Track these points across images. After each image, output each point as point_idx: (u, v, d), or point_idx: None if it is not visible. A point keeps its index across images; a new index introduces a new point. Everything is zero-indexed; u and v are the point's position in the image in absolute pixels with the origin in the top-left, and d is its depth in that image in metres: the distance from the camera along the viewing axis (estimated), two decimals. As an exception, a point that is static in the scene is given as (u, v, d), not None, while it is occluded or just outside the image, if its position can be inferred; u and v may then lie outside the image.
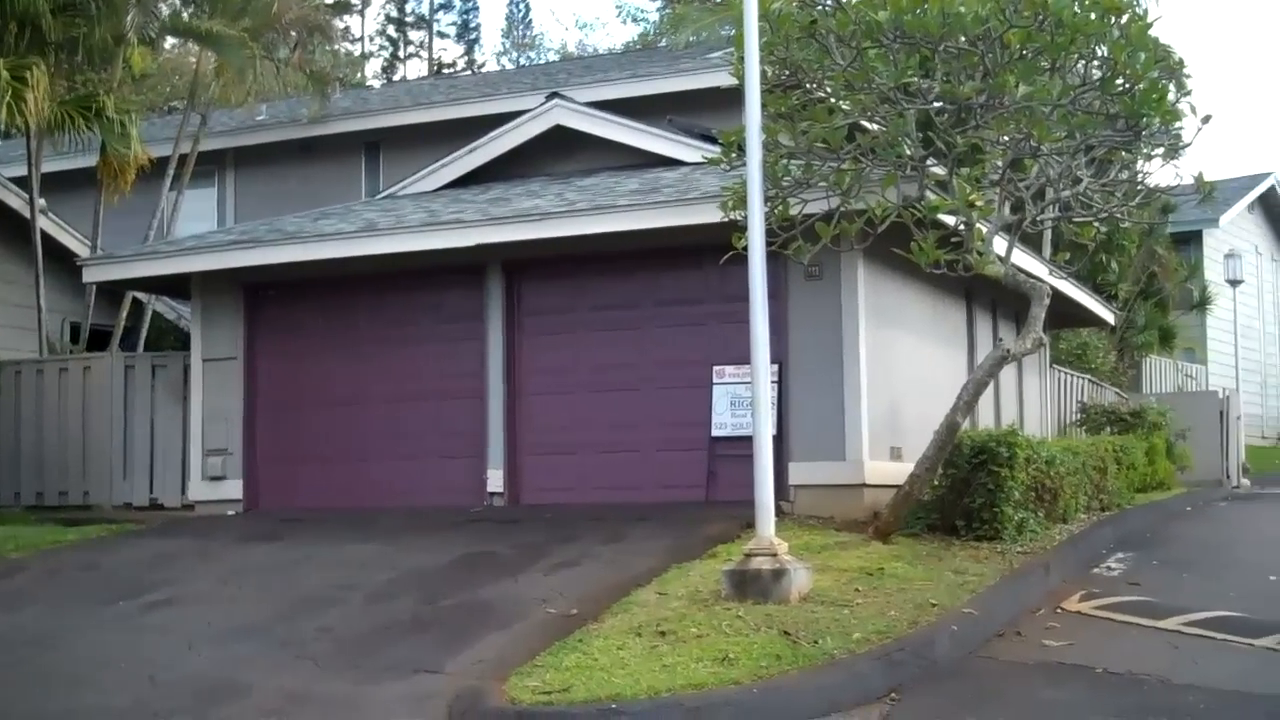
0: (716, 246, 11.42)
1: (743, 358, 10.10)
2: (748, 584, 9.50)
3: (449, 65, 55.30)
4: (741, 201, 10.75)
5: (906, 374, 14.50)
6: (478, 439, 14.83)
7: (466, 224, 14.39)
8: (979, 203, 11.93)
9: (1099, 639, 9.77)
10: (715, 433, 13.81)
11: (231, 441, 15.99)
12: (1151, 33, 11.32)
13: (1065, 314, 19.94)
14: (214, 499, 15.87)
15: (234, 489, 15.89)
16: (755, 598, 9.37)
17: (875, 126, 11.61)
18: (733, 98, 10.42)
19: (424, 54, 56.91)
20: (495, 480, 14.69)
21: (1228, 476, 24.72)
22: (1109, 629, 10.20)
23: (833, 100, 11.60)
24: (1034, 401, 20.30)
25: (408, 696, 8.13)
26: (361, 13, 53.41)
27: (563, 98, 16.13)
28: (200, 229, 19.92)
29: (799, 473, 13.36)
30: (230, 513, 15.72)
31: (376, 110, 21.76)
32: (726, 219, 11.52)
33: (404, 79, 50.08)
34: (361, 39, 54.57)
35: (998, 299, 17.37)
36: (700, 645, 8.41)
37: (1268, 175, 40.51)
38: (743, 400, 12.87)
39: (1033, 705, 8.16)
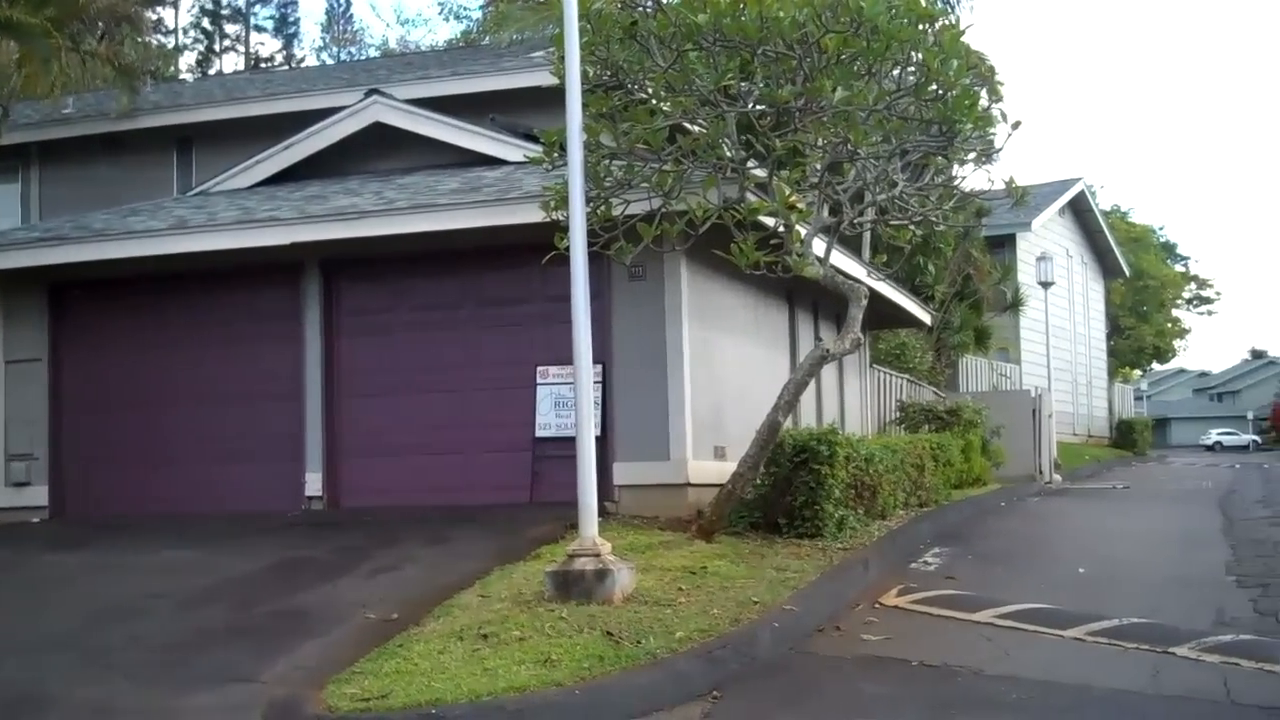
0: (539, 246, 11.35)
1: (566, 358, 10.06)
2: (571, 585, 9.47)
3: (266, 60, 54.09)
4: (563, 201, 10.71)
5: (730, 374, 14.62)
6: (295, 441, 14.54)
7: (282, 222, 14.10)
8: (800, 205, 12.08)
9: (915, 632, 9.98)
10: (539, 433, 13.78)
11: (37, 446, 15.46)
12: (965, 40, 11.61)
13: (884, 315, 20.37)
14: (18, 506, 15.31)
15: (39, 495, 15.35)
16: (579, 599, 9.35)
17: (696, 128, 11.67)
18: (556, 97, 10.36)
19: (240, 48, 55.60)
20: (314, 484, 14.42)
21: (1040, 472, 25.52)
22: (925, 623, 10.42)
23: (654, 102, 11.63)
24: (855, 401, 20.68)
25: (221, 707, 7.88)
26: (175, 4, 51.88)
27: (382, 94, 15.89)
28: (2, 226, 19.15)
29: (623, 473, 13.37)
30: (36, 520, 15.18)
31: (189, 105, 21.13)
32: (549, 219, 11.48)
33: (220, 73, 48.84)
34: (175, 31, 52.96)
35: (819, 300, 17.64)
36: (523, 647, 8.35)
37: (1077, 180, 42.05)
38: (566, 401, 12.84)
39: (851, 699, 8.27)
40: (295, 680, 8.15)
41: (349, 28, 57.83)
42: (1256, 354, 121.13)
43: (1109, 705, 8.05)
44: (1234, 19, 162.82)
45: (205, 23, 54.98)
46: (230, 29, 55.94)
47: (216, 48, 55.20)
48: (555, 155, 11.48)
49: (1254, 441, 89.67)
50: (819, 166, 12.08)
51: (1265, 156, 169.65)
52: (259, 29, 56.34)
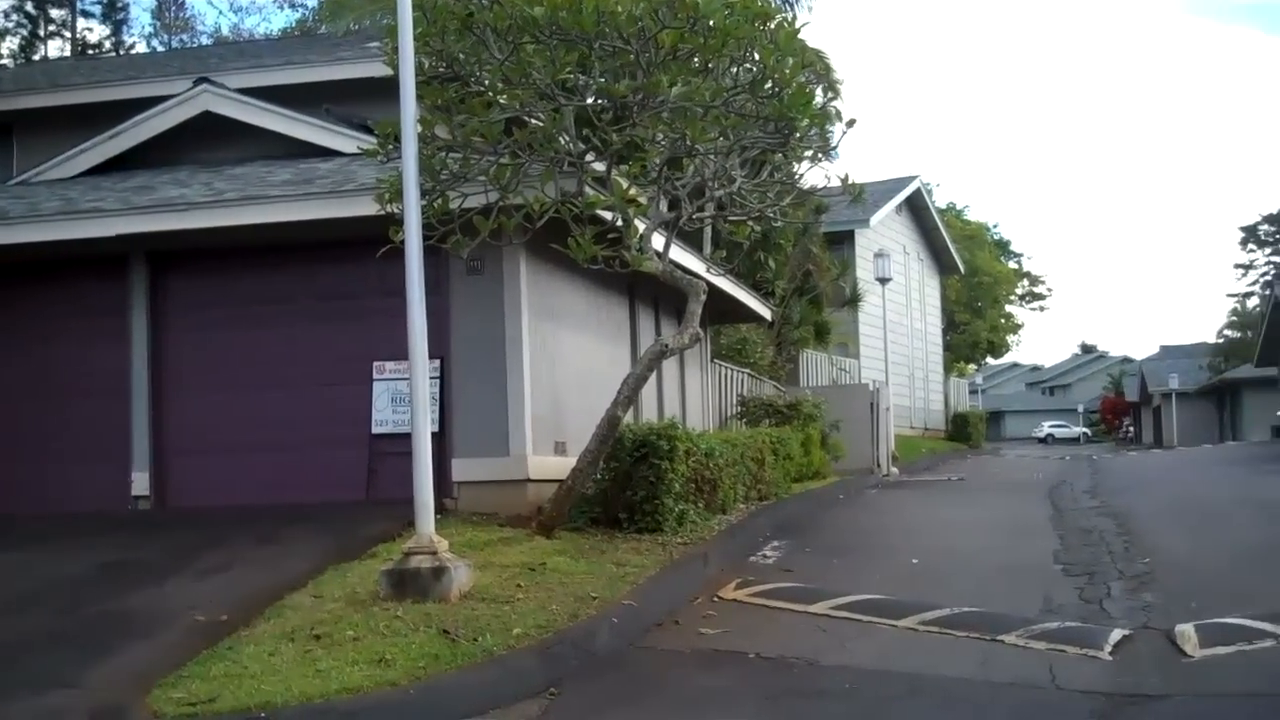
0: (376, 240, 11.15)
1: (404, 353, 9.91)
2: (407, 583, 9.35)
3: (94, 47, 52.30)
4: (398, 194, 10.54)
5: (571, 369, 14.58)
6: (122, 440, 14.12)
7: (106, 213, 13.65)
8: (641, 199, 12.08)
9: (753, 625, 10.04)
10: (376, 430, 13.59)
11: None
12: (802, 38, 11.72)
13: (725, 310, 20.49)
14: None
15: None
16: (415, 597, 9.23)
17: (534, 121, 11.59)
18: (393, 88, 10.17)
19: (66, 34, 53.65)
20: (141, 483, 14.03)
21: (878, 465, 25.94)
22: (763, 615, 10.49)
23: (491, 94, 11.51)
24: (696, 395, 20.78)
25: (42, 713, 7.56)
26: (-6, -14, 49.90)
27: (212, 83, 15.46)
28: None
29: (462, 469, 13.24)
30: None
31: (9, 91, 20.26)
32: (383, 211, 11.28)
33: (44, 59, 47.15)
34: (-7, 15, 50.94)
35: (660, 295, 17.68)
36: (356, 648, 8.21)
37: (913, 179, 42.94)
38: (404, 396, 12.65)
39: (688, 693, 8.29)
40: (120, 685, 7.87)
41: (181, 14, 56.15)
42: (1086, 349, 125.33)
43: (939, 693, 8.19)
44: (1065, 26, 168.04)
45: (29, 6, 52.98)
46: (56, 13, 53.91)
47: (41, 33, 53.21)
48: (390, 147, 11.28)
49: (1084, 434, 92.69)
50: (658, 161, 12.09)
51: (1095, 159, 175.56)
52: (86, 14, 54.37)
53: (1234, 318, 77.35)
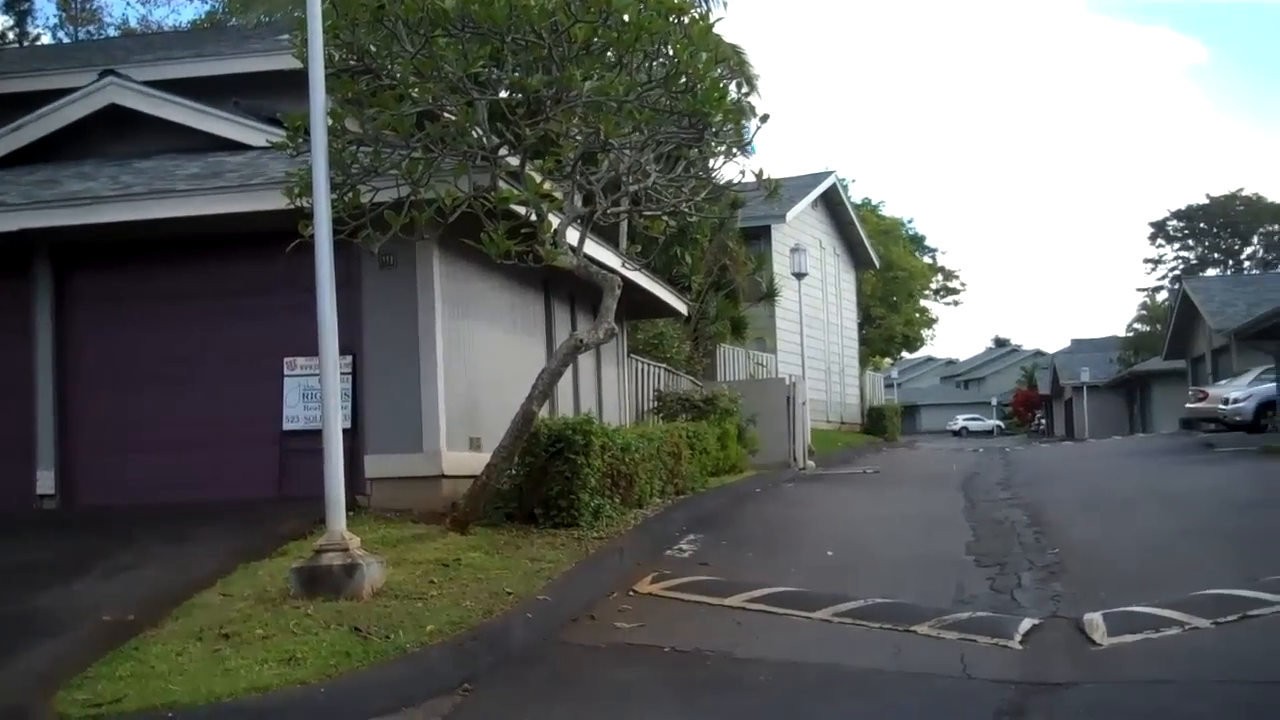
0: (286, 234, 11.01)
1: (315, 349, 9.81)
2: (318, 581, 9.26)
3: (-3, 38, 51.21)
4: (308, 188, 10.40)
5: (486, 364, 14.50)
6: (26, 438, 13.82)
7: (9, 207, 13.35)
8: (556, 194, 12.04)
9: (669, 619, 10.05)
10: (287, 426, 13.43)
11: None
12: (718, 34, 11.72)
13: (642, 304, 20.49)
14: None
15: None
16: (326, 595, 9.14)
17: (447, 115, 11.50)
18: (303, 81, 10.01)
19: (-33, 26, 52.43)
20: (46, 482, 13.76)
21: (795, 459, 26.07)
22: (678, 609, 10.52)
23: (402, 88, 11.40)
24: (613, 390, 20.76)
25: (-59, 717, 7.43)
26: (-109, -25, 48.61)
27: (118, 75, 15.18)
28: None
29: (375, 465, 13.13)
30: None
31: (-94, 84, 19.87)
32: (293, 206, 11.14)
33: (-56, 51, 46.06)
34: (-109, 4, 49.64)
35: (576, 290, 17.64)
36: (266, 646, 8.11)
37: (829, 174, 43.25)
38: (316, 392, 12.50)
39: (603, 687, 8.28)
40: (24, 687, 7.70)
41: (87, 6, 55.13)
42: (1000, 342, 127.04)
43: (852, 683, 8.25)
44: (981, 24, 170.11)
45: (-73, -4, 51.72)
46: (-45, 6, 52.71)
47: (-60, 24, 51.95)
48: (300, 141, 11.14)
49: (998, 426, 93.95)
50: (572, 156, 12.05)
51: (1010, 156, 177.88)
52: (-12, 6, 53.30)
53: (1143, 312, 78.97)
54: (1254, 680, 7.81)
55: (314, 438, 11.34)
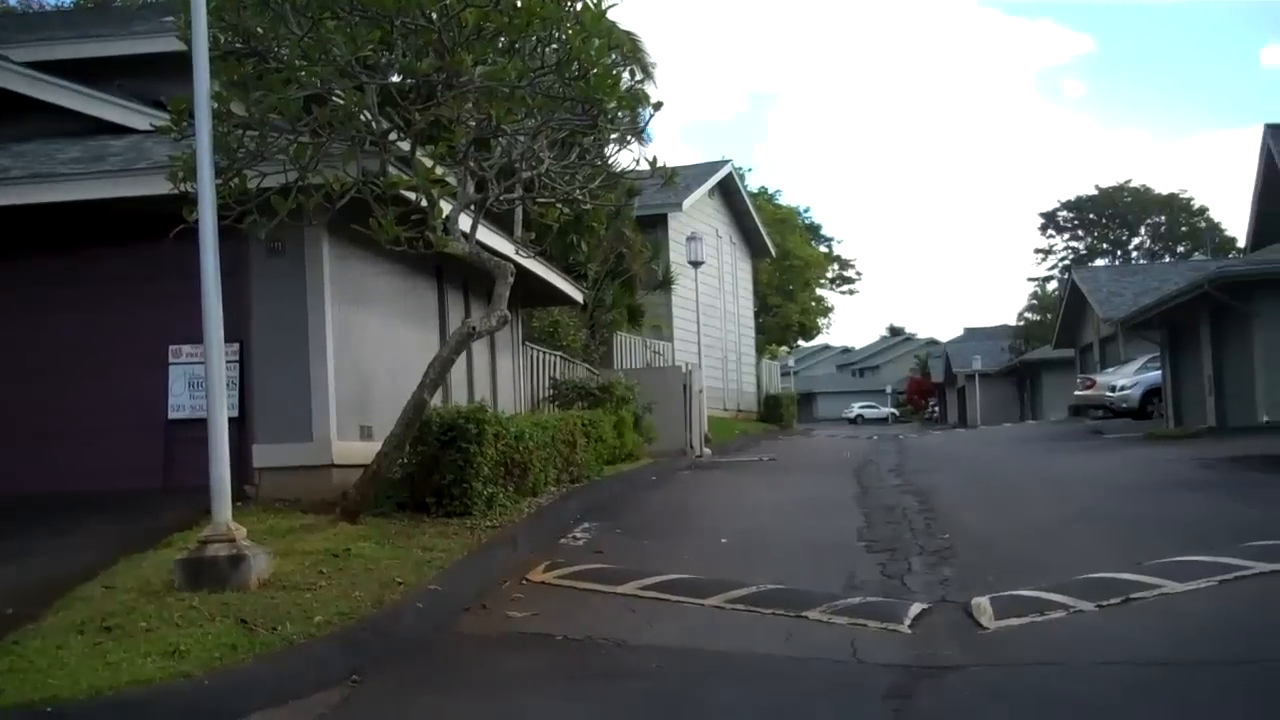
0: (172, 219, 10.78)
1: (201, 336, 9.61)
2: (203, 573, 9.09)
3: None
4: (192, 172, 10.17)
5: (377, 352, 14.35)
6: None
7: (-122, 193, 12.92)
8: (449, 180, 11.92)
9: (562, 607, 10.03)
10: (173, 415, 13.21)
11: None
12: (615, 21, 11.67)
13: (537, 292, 20.39)
14: None
15: None
16: (211, 587, 8.98)
17: (336, 100, 11.32)
18: (189, 63, 9.79)
19: None
20: (-83, 474, 13.34)
21: (691, 446, 26.14)
22: (572, 597, 10.50)
23: (289, 71, 11.19)
24: (507, 378, 20.66)
25: None
26: None
27: (-4, 56, 14.80)
28: None
29: (264, 455, 12.94)
30: None
31: None
32: (177, 190, 10.90)
33: None
34: None
35: (469, 277, 17.50)
36: (149, 639, 7.94)
37: (726, 163, 43.38)
38: (202, 381, 12.25)
39: (494, 676, 8.24)
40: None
41: (-37, -17, 53.63)
42: (894, 331, 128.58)
43: (744, 668, 8.29)
44: (877, 14, 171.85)
45: None
46: None
47: None
48: (184, 124, 10.88)
49: (892, 414, 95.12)
50: (464, 142, 11.93)
51: (903, 146, 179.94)
52: None
53: (1034, 301, 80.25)
54: (1135, 662, 7.96)
55: (200, 426, 11.09)
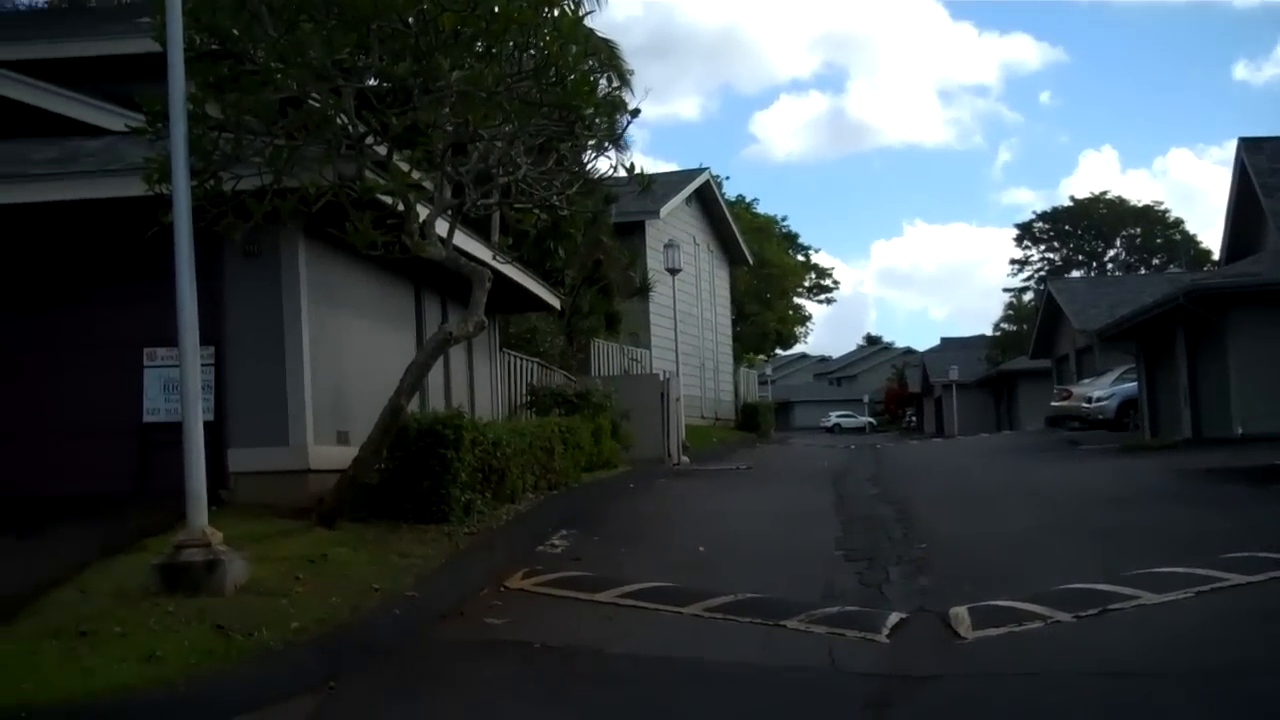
0: (147, 221, 10.68)
1: (176, 339, 9.53)
2: (179, 578, 9.03)
3: None
4: (167, 174, 10.10)
5: (354, 356, 14.28)
6: None
7: None
8: (426, 185, 11.86)
9: (539, 615, 10.02)
10: (148, 419, 13.10)
11: None
12: (593, 28, 11.62)
13: (514, 298, 20.32)
14: None
15: None
16: (187, 592, 8.91)
17: (312, 103, 11.25)
18: (164, 64, 9.71)
19: None
20: (-116, 477, 13.19)
21: (669, 454, 26.12)
22: (550, 604, 10.48)
23: (265, 73, 11.11)
24: (485, 384, 20.59)
25: None
26: None
27: (-33, 56, 14.63)
28: None
29: (239, 459, 12.83)
30: None
31: None
32: (152, 192, 10.81)
33: None
34: None
35: (447, 283, 17.41)
36: (125, 644, 7.88)
37: (703, 170, 43.39)
38: (177, 384, 12.16)
39: (472, 683, 8.21)
40: None
41: (-66, -18, 53.18)
42: (872, 340, 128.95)
43: (721, 677, 8.27)
44: (850, 31, 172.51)
45: None
46: None
47: None
48: (159, 125, 10.76)
49: (870, 423, 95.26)
50: (441, 147, 11.86)
51: (880, 157, 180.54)
52: None
53: (1010, 312, 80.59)
54: (1111, 673, 7.95)
55: (176, 430, 11.01)
